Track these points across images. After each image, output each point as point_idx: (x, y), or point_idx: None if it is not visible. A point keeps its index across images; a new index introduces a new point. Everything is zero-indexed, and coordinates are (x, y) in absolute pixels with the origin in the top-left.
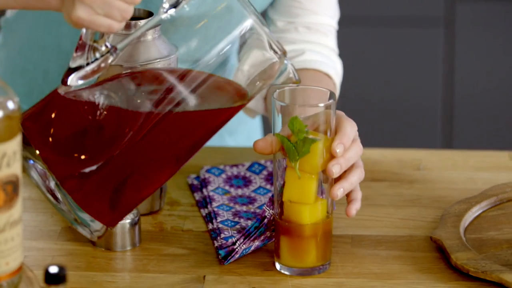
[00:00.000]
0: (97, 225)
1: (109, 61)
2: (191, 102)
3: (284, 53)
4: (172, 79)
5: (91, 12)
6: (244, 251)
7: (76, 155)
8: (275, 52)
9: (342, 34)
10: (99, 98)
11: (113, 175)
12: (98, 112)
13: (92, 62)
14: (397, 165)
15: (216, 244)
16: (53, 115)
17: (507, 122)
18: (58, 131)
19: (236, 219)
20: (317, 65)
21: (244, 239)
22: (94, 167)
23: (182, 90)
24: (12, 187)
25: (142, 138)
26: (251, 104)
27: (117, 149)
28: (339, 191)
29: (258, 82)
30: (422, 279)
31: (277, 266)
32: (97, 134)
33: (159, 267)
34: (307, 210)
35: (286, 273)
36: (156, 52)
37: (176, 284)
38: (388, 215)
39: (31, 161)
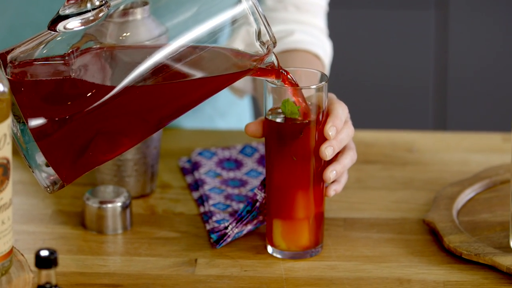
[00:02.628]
0: (49, 175)
1: (101, 15)
2: (165, 72)
3: (274, 43)
4: (150, 50)
5: None
6: (236, 235)
7: (50, 102)
8: (263, 44)
9: (334, 16)
10: (83, 55)
11: (81, 131)
12: (78, 67)
13: (84, 12)
14: (390, 147)
15: (208, 227)
16: (34, 62)
17: (500, 104)
18: (36, 75)
19: (228, 202)
20: (306, 46)
21: (236, 223)
22: (64, 117)
23: (157, 61)
24: (2, 170)
25: (113, 101)
26: (239, 84)
27: (88, 105)
28: (332, 173)
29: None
30: (415, 262)
31: (269, 249)
32: (73, 87)
33: (151, 251)
34: (300, 194)
35: (278, 256)
36: (146, 32)
37: (167, 268)
38: (380, 197)
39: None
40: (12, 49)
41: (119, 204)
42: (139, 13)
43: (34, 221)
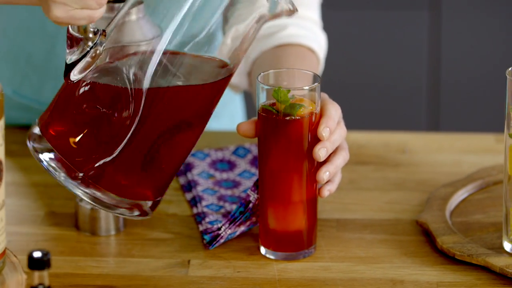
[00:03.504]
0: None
1: (103, 45)
2: (181, 78)
3: None
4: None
5: (66, 9)
6: (229, 236)
7: (93, 151)
8: None
9: (327, 17)
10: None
11: (134, 156)
12: (99, 101)
13: (88, 52)
14: (383, 148)
15: (201, 229)
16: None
17: (493, 105)
18: (71, 132)
19: (221, 203)
20: (300, 40)
21: (229, 224)
22: (113, 154)
23: (173, 66)
24: None
25: (146, 114)
26: (234, 80)
27: (128, 130)
28: (325, 174)
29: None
30: (408, 263)
31: (262, 250)
32: (106, 123)
33: (144, 252)
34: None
35: (271, 257)
36: (140, 34)
37: (160, 269)
38: (373, 198)
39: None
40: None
41: None
42: (134, 14)
43: (27, 222)
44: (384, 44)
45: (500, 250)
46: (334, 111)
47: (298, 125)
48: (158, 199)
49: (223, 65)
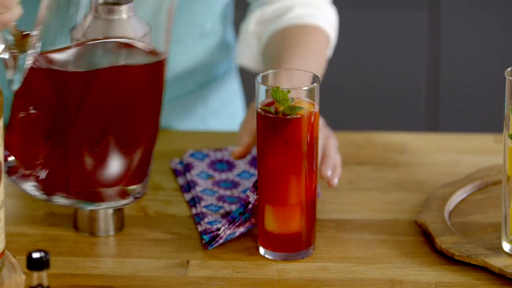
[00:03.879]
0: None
1: (37, 46)
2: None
3: None
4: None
5: None
6: (228, 237)
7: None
8: None
9: None
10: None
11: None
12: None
13: (24, 62)
14: (382, 149)
15: (200, 229)
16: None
17: (492, 105)
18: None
19: (220, 204)
20: (306, 20)
21: (228, 225)
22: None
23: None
24: None
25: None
26: (250, 64)
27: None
28: (328, 171)
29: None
30: (407, 263)
31: (261, 251)
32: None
33: (143, 252)
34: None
35: (270, 257)
36: (131, 32)
37: (159, 269)
38: (372, 199)
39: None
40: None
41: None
42: (124, 12)
43: (25, 223)
44: (383, 44)
45: (499, 250)
46: (333, 150)
47: (297, 125)
48: (140, 184)
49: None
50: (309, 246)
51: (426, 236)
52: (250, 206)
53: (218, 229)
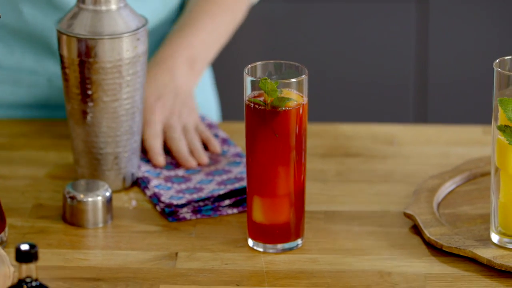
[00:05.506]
0: None
1: None
2: None
3: None
4: None
5: None
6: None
7: None
8: None
9: (314, 9)
10: None
11: None
12: None
13: None
14: (370, 141)
15: (148, 194)
16: None
17: (481, 97)
18: None
19: (159, 170)
20: None
21: (191, 212)
22: None
23: None
24: None
25: None
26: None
27: None
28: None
29: None
30: (395, 254)
31: (250, 242)
32: None
33: (131, 244)
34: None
35: (259, 249)
36: (122, 24)
37: (148, 261)
38: (361, 190)
39: None
40: None
41: (99, 198)
42: (113, 3)
43: (14, 215)
44: (371, 36)
45: (488, 241)
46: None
47: (286, 116)
48: None
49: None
50: (297, 237)
51: (414, 228)
52: (216, 203)
53: (179, 206)
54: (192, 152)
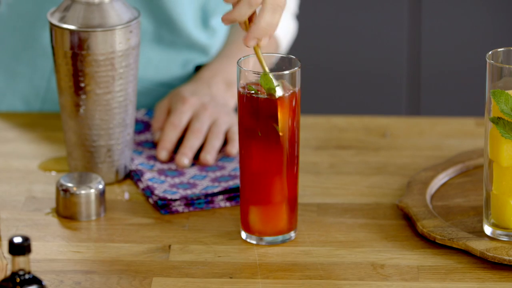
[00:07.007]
0: None
1: None
2: None
3: None
4: None
5: None
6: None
7: None
8: None
9: (306, 2)
10: None
11: None
12: None
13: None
14: (363, 133)
15: (141, 186)
16: None
17: (474, 89)
18: None
19: (152, 162)
20: None
21: (184, 205)
22: None
23: None
24: None
25: None
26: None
27: None
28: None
29: None
30: (388, 247)
31: (243, 235)
32: None
33: (125, 237)
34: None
35: (252, 242)
36: (115, 17)
37: (141, 254)
38: (354, 183)
39: None
40: None
41: (92, 190)
42: None
43: (7, 208)
44: (364, 28)
45: (481, 234)
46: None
47: (279, 104)
48: None
49: None
50: (290, 230)
51: (407, 220)
52: (208, 198)
53: (173, 200)
54: (203, 146)
